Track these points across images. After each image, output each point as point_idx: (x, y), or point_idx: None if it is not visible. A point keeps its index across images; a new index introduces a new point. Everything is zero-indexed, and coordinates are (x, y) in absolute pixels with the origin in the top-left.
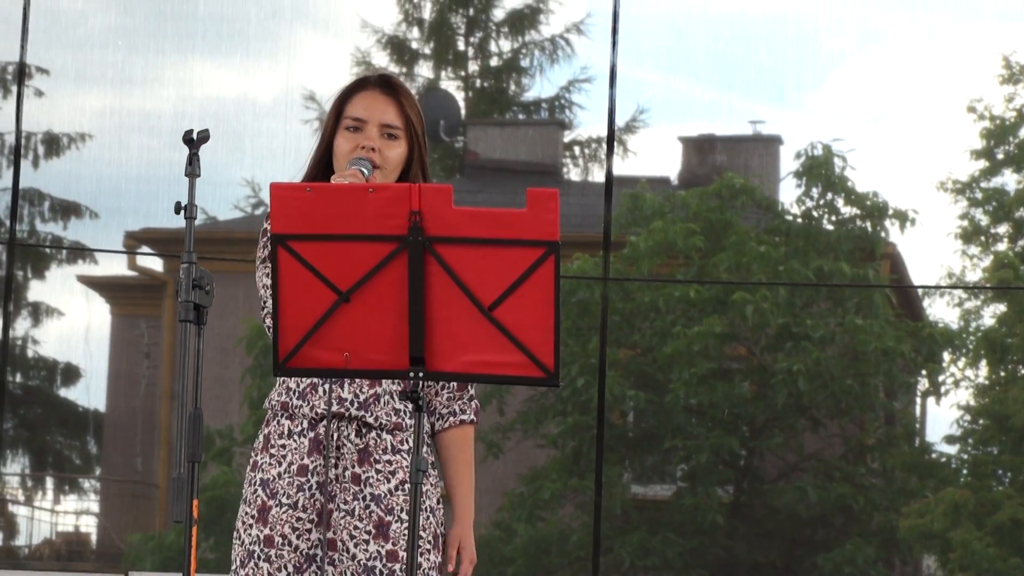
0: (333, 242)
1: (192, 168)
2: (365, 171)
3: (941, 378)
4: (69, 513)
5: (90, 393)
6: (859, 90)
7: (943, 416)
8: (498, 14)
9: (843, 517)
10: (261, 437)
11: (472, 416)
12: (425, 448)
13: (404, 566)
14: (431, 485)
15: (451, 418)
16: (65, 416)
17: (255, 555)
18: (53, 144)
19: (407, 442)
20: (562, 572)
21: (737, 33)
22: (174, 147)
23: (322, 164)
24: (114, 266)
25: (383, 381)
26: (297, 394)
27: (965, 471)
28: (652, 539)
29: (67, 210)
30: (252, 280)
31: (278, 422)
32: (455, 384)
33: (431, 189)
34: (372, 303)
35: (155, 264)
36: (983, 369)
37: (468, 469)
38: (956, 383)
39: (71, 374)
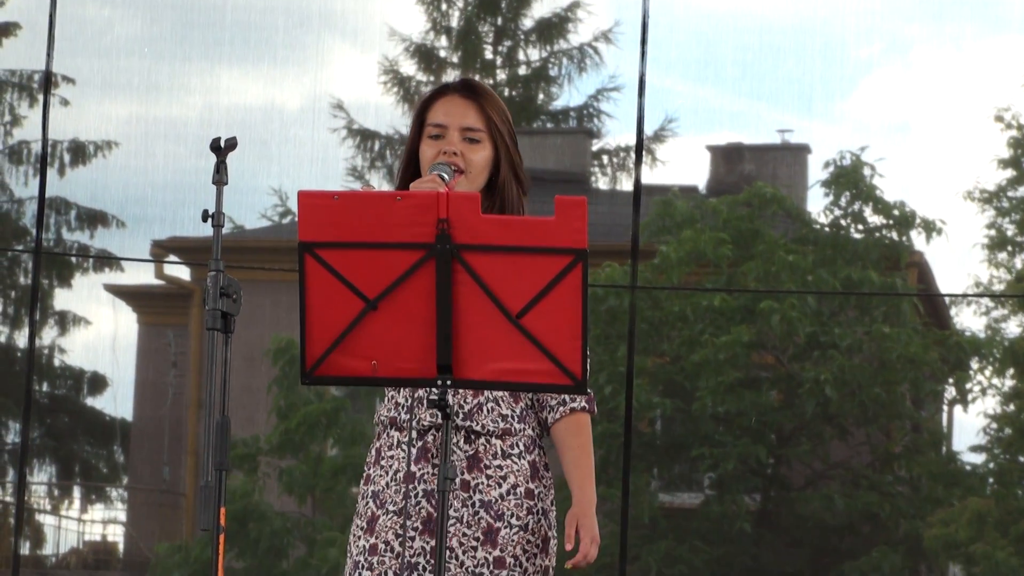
0: (361, 250)
1: (220, 176)
2: (445, 175)
3: (968, 386)
4: (96, 522)
5: (117, 402)
6: (887, 100)
7: (970, 424)
8: (526, 23)
9: (870, 525)
10: (373, 451)
11: (583, 404)
12: (523, 462)
13: (509, 572)
14: (544, 488)
15: (560, 408)
16: (92, 425)
17: (359, 565)
18: (79, 152)
19: (517, 446)
20: None
21: (765, 44)
22: (200, 155)
23: (409, 172)
24: (141, 275)
25: (485, 391)
26: (405, 408)
27: (991, 480)
28: (679, 547)
29: (93, 219)
30: (279, 289)
31: (387, 434)
32: None
33: (459, 197)
34: (400, 311)
35: (182, 273)
36: (1010, 378)
37: (583, 454)
38: (983, 391)
39: (98, 383)
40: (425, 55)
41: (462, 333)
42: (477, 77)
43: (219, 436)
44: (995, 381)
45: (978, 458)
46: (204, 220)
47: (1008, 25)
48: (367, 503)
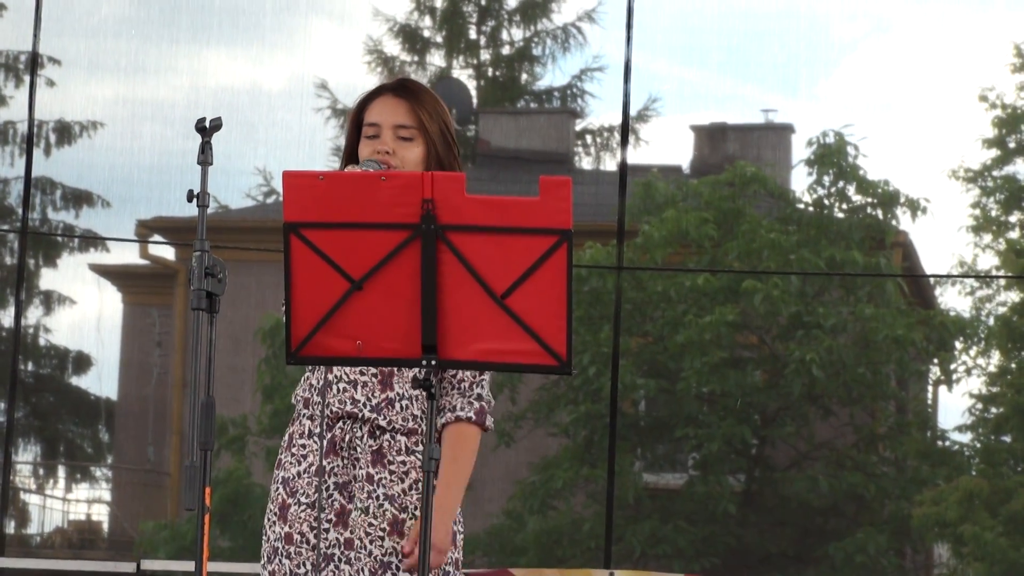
0: (346, 230)
1: (205, 156)
2: (371, 170)
3: (953, 366)
4: (81, 501)
5: (102, 381)
6: (871, 79)
7: (955, 404)
8: (510, 3)
9: (855, 506)
10: (286, 436)
11: (471, 414)
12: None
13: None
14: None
15: (448, 413)
16: (77, 404)
17: (278, 552)
18: (65, 132)
19: (421, 444)
20: (574, 561)
21: (750, 28)
22: (187, 136)
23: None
24: (126, 255)
25: (395, 385)
26: (317, 391)
27: (977, 460)
28: (664, 528)
29: (79, 199)
30: (264, 269)
31: (300, 422)
32: (467, 383)
33: (443, 177)
34: (385, 291)
35: (167, 252)
36: (995, 357)
37: (452, 463)
38: (968, 371)
39: (83, 362)
40: (409, 35)
41: (447, 313)
42: (461, 58)
43: (204, 416)
44: (980, 361)
45: (963, 438)
46: (189, 200)
47: (993, 4)
48: (277, 489)
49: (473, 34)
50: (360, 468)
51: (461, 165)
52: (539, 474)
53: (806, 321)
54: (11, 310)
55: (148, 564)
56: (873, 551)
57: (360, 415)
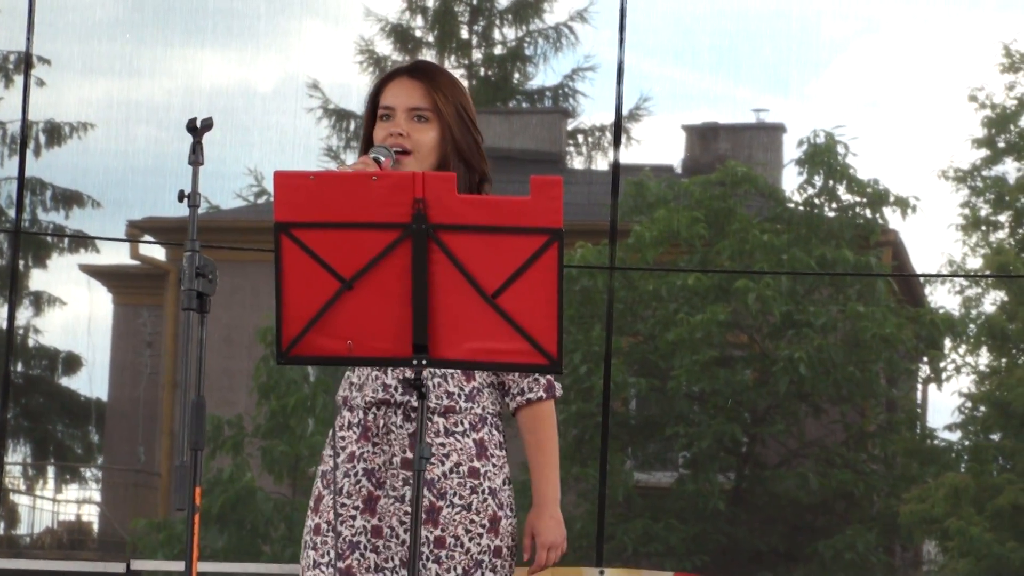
0: (336, 230)
1: (196, 156)
2: (380, 157)
3: (942, 365)
4: (71, 502)
5: (92, 382)
6: (861, 79)
7: (944, 403)
8: (502, 2)
9: (844, 503)
10: (331, 432)
11: (541, 393)
12: (468, 440)
13: (449, 552)
14: (493, 466)
15: (519, 397)
16: (67, 405)
17: (306, 544)
18: (55, 133)
19: (461, 424)
20: (565, 560)
21: (741, 28)
22: (182, 139)
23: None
24: (116, 255)
25: None
26: (357, 387)
27: (966, 457)
28: (655, 526)
29: (69, 199)
30: (257, 270)
31: (340, 415)
32: None
33: (434, 177)
34: (376, 291)
35: (157, 253)
36: (984, 356)
37: (539, 451)
38: (957, 370)
39: (73, 363)
40: (401, 35)
41: (438, 313)
42: (453, 58)
43: (194, 416)
44: (969, 360)
45: (953, 436)
46: (180, 200)
47: (982, 4)
48: (316, 483)
49: (465, 34)
50: (392, 454)
51: (482, 147)
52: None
53: (796, 320)
54: (1, 311)
55: (138, 564)
56: (862, 548)
57: (392, 399)
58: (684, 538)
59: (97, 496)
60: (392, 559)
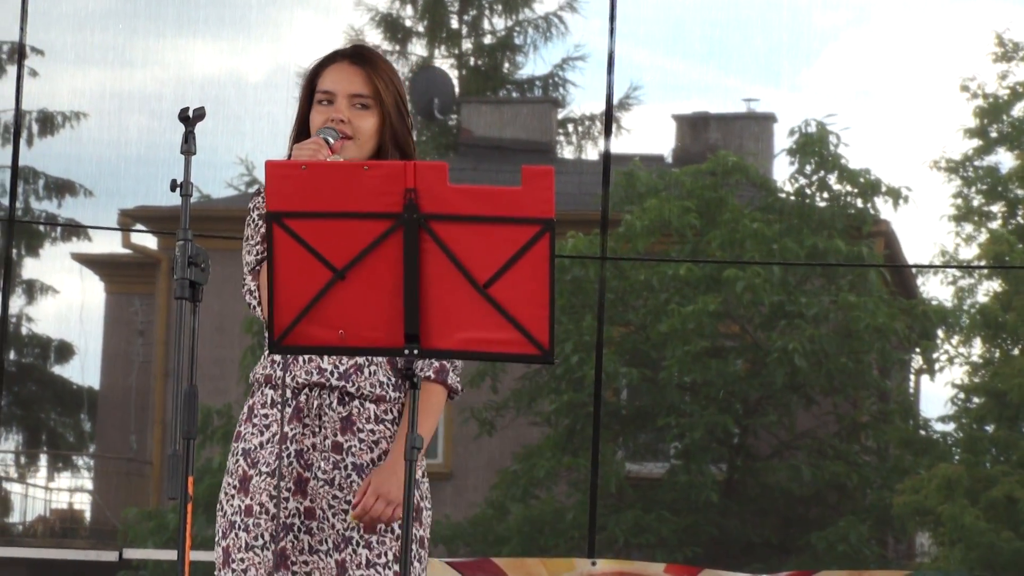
0: (328, 219)
1: (188, 145)
2: (330, 139)
3: (935, 355)
4: (63, 490)
5: (84, 371)
6: (852, 68)
7: (937, 394)
8: None
9: (837, 495)
10: (245, 408)
11: (429, 374)
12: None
13: (380, 537)
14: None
15: (422, 372)
16: (59, 394)
17: (235, 525)
18: (47, 123)
19: (391, 412)
20: (556, 551)
21: (732, 17)
22: (175, 129)
23: (300, 140)
24: (108, 244)
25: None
26: (280, 365)
27: (959, 448)
28: (646, 517)
29: (61, 188)
30: None
31: (262, 392)
32: None
33: (426, 167)
34: (367, 281)
35: (149, 242)
36: (977, 347)
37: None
38: (950, 360)
39: (65, 352)
40: (391, 24)
41: (430, 303)
42: (443, 47)
43: (187, 405)
44: (962, 350)
45: (946, 428)
46: (173, 189)
47: None
48: (237, 461)
49: (455, 23)
50: (324, 436)
51: (412, 135)
52: (521, 463)
53: (788, 310)
54: None
55: (130, 553)
56: (855, 540)
57: (327, 383)
58: (676, 529)
59: (89, 484)
60: (326, 541)
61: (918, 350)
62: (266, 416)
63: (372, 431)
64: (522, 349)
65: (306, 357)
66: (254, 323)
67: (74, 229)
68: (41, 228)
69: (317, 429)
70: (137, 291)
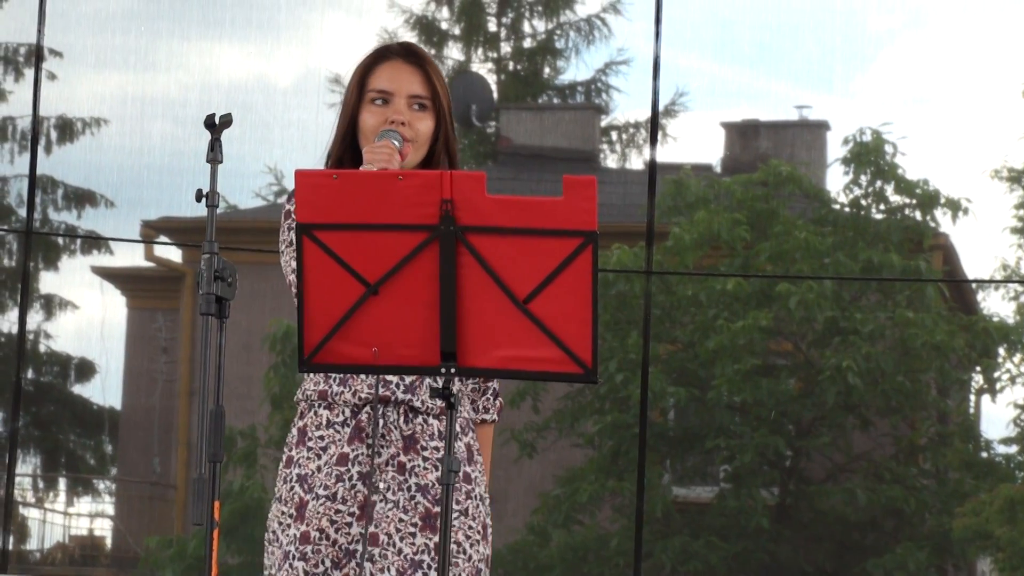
0: (361, 232)
1: (214, 154)
2: (397, 142)
3: (996, 374)
4: (83, 516)
5: (105, 390)
6: (909, 74)
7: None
8: None
9: (894, 520)
10: (295, 431)
11: (495, 416)
12: (459, 444)
13: (452, 559)
14: (480, 473)
15: (483, 415)
16: (79, 414)
17: (290, 555)
18: (67, 129)
19: (457, 428)
20: None
21: (783, 20)
22: (200, 136)
23: (346, 141)
24: (130, 257)
25: None
26: (338, 381)
27: (1022, 471)
28: (694, 543)
29: (81, 198)
30: (279, 273)
31: (315, 413)
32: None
33: (463, 176)
34: (402, 295)
35: (173, 255)
36: None
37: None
38: (1012, 380)
39: (85, 370)
40: (426, 27)
41: (467, 319)
42: (481, 51)
43: (213, 426)
44: None
45: (1009, 450)
46: (198, 200)
47: None
48: (292, 488)
49: (493, 26)
50: (389, 456)
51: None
52: (564, 487)
53: (842, 327)
54: (11, 315)
55: None
56: (913, 568)
57: (393, 397)
58: (725, 557)
59: (110, 509)
60: (389, 569)
61: (979, 369)
62: (322, 438)
63: (436, 448)
64: (564, 368)
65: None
66: (278, 341)
67: (94, 241)
68: (60, 240)
69: (381, 448)
70: (161, 307)
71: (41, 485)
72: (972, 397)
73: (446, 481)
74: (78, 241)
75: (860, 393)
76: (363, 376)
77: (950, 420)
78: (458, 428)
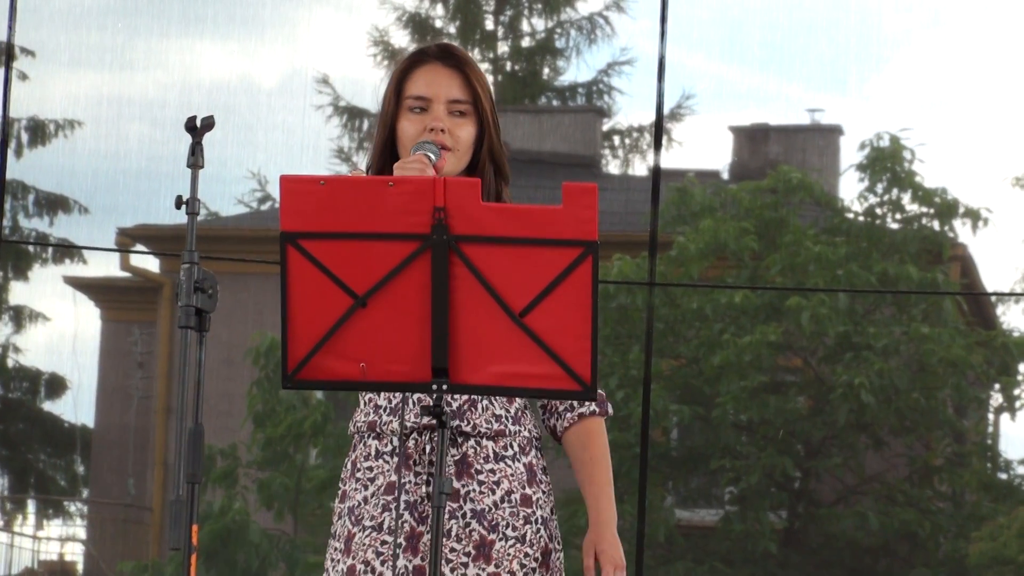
0: (349, 241)
1: (195, 158)
2: (432, 155)
3: (1016, 392)
4: (53, 540)
5: (77, 407)
6: (926, 77)
7: (1018, 434)
8: None
9: (907, 545)
10: (348, 464)
11: (593, 407)
12: (519, 464)
13: None
14: (543, 493)
15: (568, 414)
16: (49, 432)
17: None
18: (39, 132)
19: (511, 447)
20: None
21: (795, 20)
22: (180, 139)
23: (387, 153)
24: (105, 266)
25: None
26: (387, 411)
27: None
28: (698, 568)
29: (54, 204)
30: (261, 284)
31: (364, 444)
32: None
33: (457, 183)
34: (391, 308)
35: (151, 264)
36: None
37: (595, 468)
38: None
39: (56, 386)
40: (419, 25)
41: (460, 333)
42: (477, 51)
43: (192, 445)
44: None
45: None
46: (178, 207)
47: None
48: (343, 522)
49: (490, 24)
50: (451, 488)
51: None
52: (562, 509)
53: (855, 342)
54: None
55: None
56: None
57: (444, 423)
58: None
59: (82, 533)
60: None
61: (997, 386)
62: (370, 469)
63: (492, 471)
64: (561, 384)
65: (417, 397)
66: (261, 355)
67: (67, 250)
68: (31, 249)
69: (430, 477)
70: (137, 319)
71: (9, 507)
72: (990, 416)
73: (437, 504)
74: (50, 250)
75: (873, 411)
76: (411, 404)
77: (967, 440)
78: (517, 447)
